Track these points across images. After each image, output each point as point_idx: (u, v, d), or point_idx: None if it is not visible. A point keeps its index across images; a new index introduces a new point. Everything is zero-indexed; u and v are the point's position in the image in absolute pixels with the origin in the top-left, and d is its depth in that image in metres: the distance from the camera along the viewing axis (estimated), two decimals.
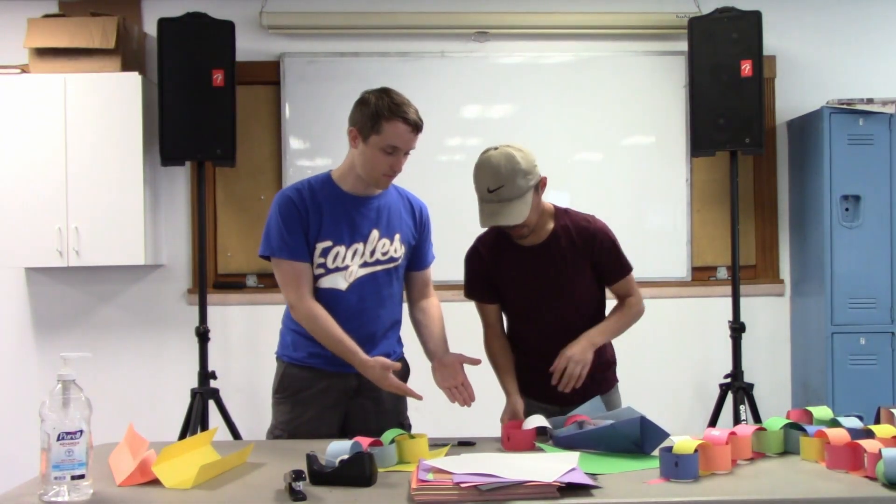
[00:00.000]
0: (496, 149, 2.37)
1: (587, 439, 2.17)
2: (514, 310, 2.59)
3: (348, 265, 2.43)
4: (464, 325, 3.07)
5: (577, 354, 2.38)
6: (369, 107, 2.36)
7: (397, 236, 2.50)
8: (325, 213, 2.42)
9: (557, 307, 2.51)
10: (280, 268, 2.42)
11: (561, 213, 2.52)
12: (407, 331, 2.63)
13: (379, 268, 2.46)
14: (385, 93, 2.39)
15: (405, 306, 2.63)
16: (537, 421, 2.27)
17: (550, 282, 2.49)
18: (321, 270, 2.42)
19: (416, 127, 2.39)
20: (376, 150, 2.36)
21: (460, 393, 2.41)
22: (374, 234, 2.46)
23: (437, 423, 2.67)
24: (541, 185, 2.40)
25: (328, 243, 2.42)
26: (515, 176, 2.30)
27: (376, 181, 2.43)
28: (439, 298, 2.69)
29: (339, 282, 2.43)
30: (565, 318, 2.51)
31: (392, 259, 2.48)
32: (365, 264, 2.44)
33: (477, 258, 2.57)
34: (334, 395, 2.47)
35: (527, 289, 2.52)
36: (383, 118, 2.34)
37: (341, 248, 2.42)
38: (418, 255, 2.60)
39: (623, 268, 2.53)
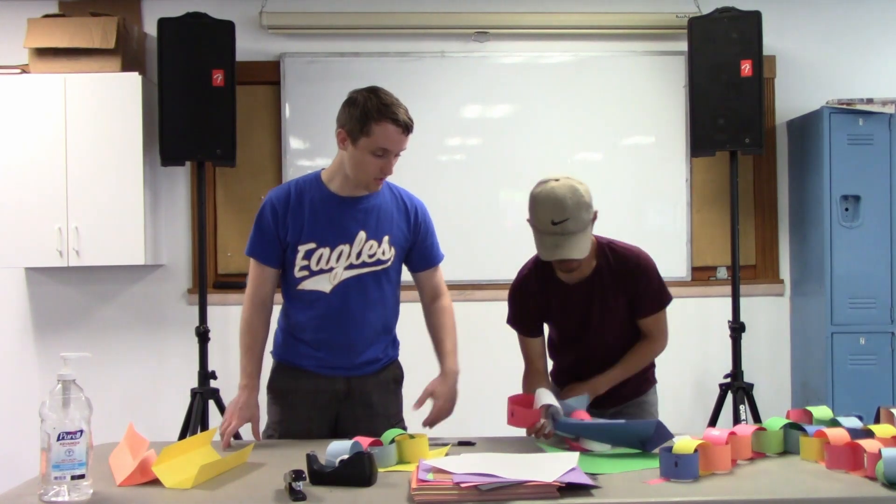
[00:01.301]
0: (557, 180, 2.28)
1: (592, 429, 2.17)
2: (559, 337, 2.59)
3: (333, 267, 2.40)
4: (464, 326, 3.07)
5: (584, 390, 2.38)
6: (357, 108, 2.30)
7: (386, 238, 2.44)
8: (309, 214, 2.39)
9: (601, 336, 2.49)
10: (251, 266, 2.47)
11: (603, 247, 2.47)
12: (402, 333, 2.62)
13: (365, 270, 2.42)
14: (373, 93, 2.32)
15: (402, 308, 2.60)
16: (545, 398, 2.25)
17: (594, 316, 2.47)
18: (305, 273, 2.40)
19: (407, 128, 2.31)
20: (366, 152, 2.31)
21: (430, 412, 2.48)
22: (361, 235, 2.41)
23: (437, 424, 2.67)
24: (593, 218, 2.35)
25: (311, 245, 2.39)
26: (580, 209, 2.25)
27: (366, 184, 2.39)
28: None
29: (323, 284, 2.40)
30: (608, 345, 2.51)
31: (379, 262, 2.43)
32: (350, 266, 2.40)
33: (526, 293, 2.51)
34: (323, 397, 2.46)
35: (570, 322, 2.51)
36: (372, 120, 2.27)
37: (325, 251, 2.39)
38: (421, 255, 2.54)
39: (654, 305, 2.47)
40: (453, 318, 2.59)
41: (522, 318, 2.54)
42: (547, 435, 2.23)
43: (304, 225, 2.39)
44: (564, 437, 2.23)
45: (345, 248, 2.40)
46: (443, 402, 2.47)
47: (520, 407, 2.26)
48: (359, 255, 2.41)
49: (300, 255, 2.39)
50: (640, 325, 2.49)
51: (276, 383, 2.49)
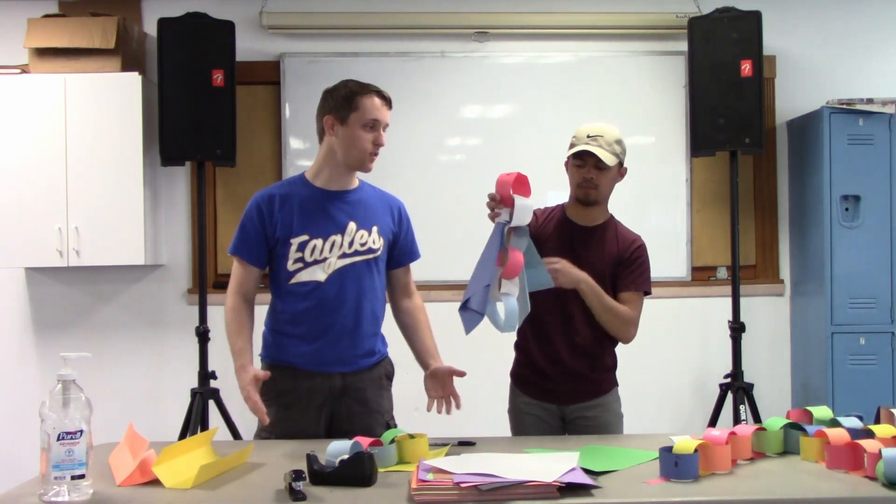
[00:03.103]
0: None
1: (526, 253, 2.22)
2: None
3: (327, 257, 2.44)
4: (461, 325, 3.05)
5: (568, 270, 2.46)
6: (340, 91, 2.45)
7: (375, 228, 2.51)
8: (298, 209, 2.45)
9: (579, 298, 2.51)
10: (233, 264, 2.52)
11: (615, 219, 2.68)
12: (391, 330, 2.63)
13: (358, 258, 2.47)
14: (348, 80, 2.49)
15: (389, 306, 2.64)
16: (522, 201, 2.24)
17: (581, 262, 2.51)
18: (299, 265, 2.44)
19: (389, 101, 2.48)
20: (357, 127, 2.42)
21: (447, 402, 2.50)
22: (352, 225, 2.47)
23: (437, 423, 2.67)
24: (622, 171, 2.59)
25: (304, 237, 2.44)
26: (613, 139, 2.53)
27: (361, 161, 2.46)
28: (438, 298, 2.70)
29: (318, 273, 2.44)
30: (581, 316, 2.55)
31: (371, 250, 2.49)
32: (344, 255, 2.45)
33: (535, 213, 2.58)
34: (319, 395, 2.46)
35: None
36: (358, 95, 2.42)
37: (318, 241, 2.44)
38: (401, 250, 2.61)
39: (638, 283, 2.59)
40: (427, 316, 2.66)
41: None
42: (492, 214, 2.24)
43: (293, 220, 2.44)
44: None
45: (337, 238, 2.45)
46: (447, 388, 2.52)
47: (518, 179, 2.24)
48: (351, 244, 2.46)
49: (293, 247, 2.43)
50: (619, 300, 2.59)
51: (270, 384, 2.48)
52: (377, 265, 2.52)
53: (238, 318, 2.47)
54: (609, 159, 2.51)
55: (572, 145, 2.58)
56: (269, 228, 2.45)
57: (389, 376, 2.61)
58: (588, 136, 2.53)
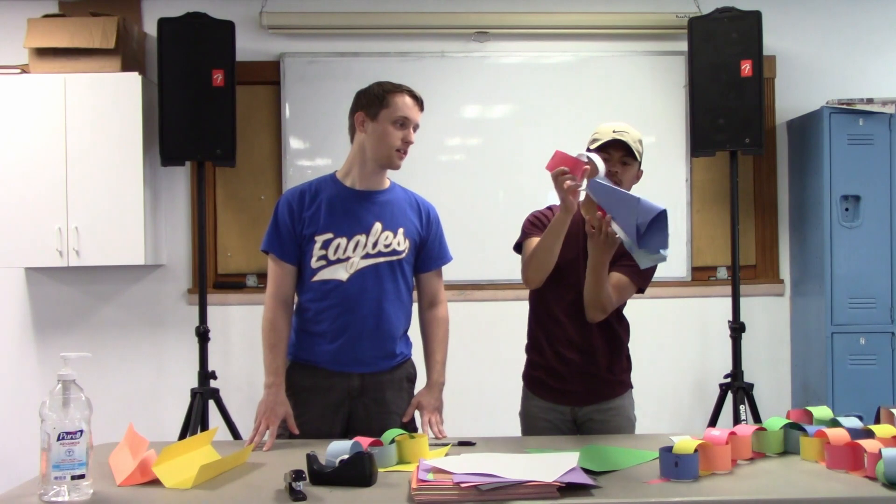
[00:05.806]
0: None
1: (615, 197, 2.26)
2: (555, 278, 2.48)
3: (350, 256, 2.45)
4: (464, 326, 3.07)
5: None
6: (372, 90, 2.49)
7: (401, 230, 2.51)
8: (326, 207, 2.47)
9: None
10: (269, 265, 2.53)
11: None
12: (416, 331, 2.64)
13: (381, 259, 2.48)
14: (381, 81, 2.53)
15: (415, 308, 2.64)
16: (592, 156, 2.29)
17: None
18: (322, 262, 2.46)
19: (420, 102, 2.52)
20: (387, 123, 2.45)
21: (430, 427, 2.50)
22: (377, 226, 2.48)
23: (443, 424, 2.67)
24: (639, 172, 2.64)
25: (329, 235, 2.45)
26: (637, 137, 2.57)
27: (389, 158, 2.47)
28: None
29: (340, 272, 2.45)
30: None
31: (395, 252, 2.49)
32: (367, 255, 2.46)
33: (546, 216, 2.56)
34: (337, 394, 2.48)
35: (568, 254, 2.47)
36: (389, 93, 2.46)
37: (342, 240, 2.45)
38: (428, 255, 2.60)
39: (634, 272, 2.47)
40: (447, 330, 2.64)
41: (540, 228, 2.51)
42: (569, 189, 2.23)
43: (321, 217, 2.46)
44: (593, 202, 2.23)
45: (361, 238, 2.47)
46: (430, 410, 2.53)
47: (562, 153, 2.28)
48: (375, 244, 2.47)
49: (318, 245, 2.45)
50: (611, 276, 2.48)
51: (291, 381, 2.50)
52: (402, 267, 2.52)
53: (275, 330, 2.47)
54: (636, 148, 2.55)
55: (594, 141, 2.55)
56: (297, 225, 2.47)
57: (411, 378, 2.60)
58: (614, 131, 2.54)
